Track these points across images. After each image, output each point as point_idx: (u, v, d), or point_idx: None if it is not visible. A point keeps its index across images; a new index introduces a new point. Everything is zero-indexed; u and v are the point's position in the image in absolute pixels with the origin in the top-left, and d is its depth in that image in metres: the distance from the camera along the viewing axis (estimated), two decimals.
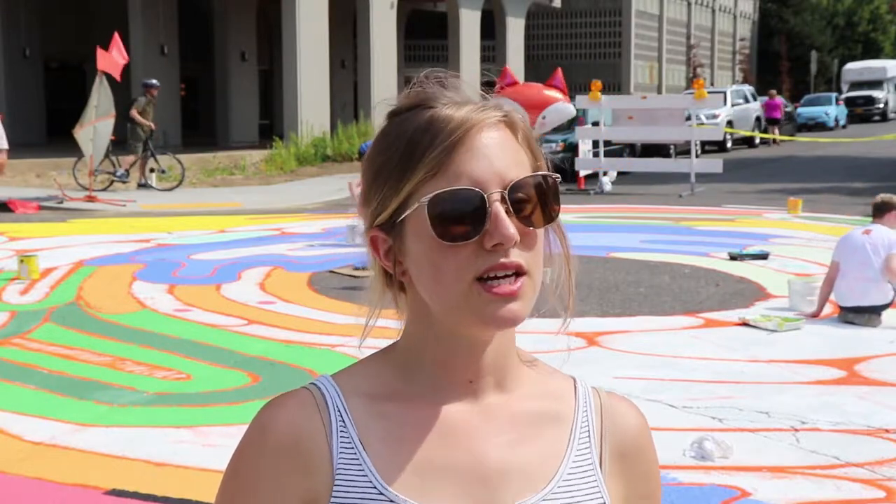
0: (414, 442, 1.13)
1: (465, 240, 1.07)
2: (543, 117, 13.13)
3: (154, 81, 19.18)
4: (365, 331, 1.22)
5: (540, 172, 1.12)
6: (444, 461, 1.12)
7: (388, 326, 1.24)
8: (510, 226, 1.07)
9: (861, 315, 7.97)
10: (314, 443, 1.12)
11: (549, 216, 1.12)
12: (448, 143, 1.09)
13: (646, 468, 1.23)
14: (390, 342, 1.21)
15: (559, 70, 11.33)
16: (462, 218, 1.07)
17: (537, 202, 1.10)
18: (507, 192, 1.08)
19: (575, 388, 1.23)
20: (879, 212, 8.29)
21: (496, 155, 1.10)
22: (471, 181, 1.08)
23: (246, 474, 1.14)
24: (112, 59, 16.22)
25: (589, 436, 1.19)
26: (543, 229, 1.12)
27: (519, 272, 1.09)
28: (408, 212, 1.10)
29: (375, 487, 1.10)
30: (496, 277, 1.08)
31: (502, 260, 1.08)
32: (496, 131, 1.11)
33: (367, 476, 1.10)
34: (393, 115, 1.16)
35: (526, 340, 1.38)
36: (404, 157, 1.10)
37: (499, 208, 1.07)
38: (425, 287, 1.11)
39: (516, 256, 1.08)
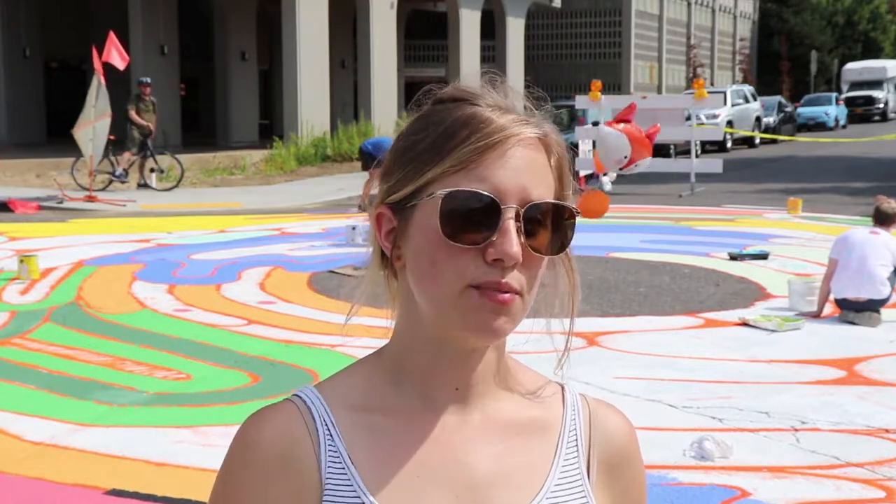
0: (402, 453, 1.11)
1: (470, 244, 1.06)
2: (637, 165, 12.51)
3: (144, 79, 19.03)
4: (353, 308, 1.20)
5: (561, 202, 1.10)
6: (433, 472, 1.11)
7: (385, 326, 1.22)
8: (516, 244, 1.05)
9: (862, 315, 7.96)
10: (303, 457, 1.10)
11: (559, 247, 1.10)
12: (482, 144, 1.07)
13: (633, 476, 1.22)
14: (383, 342, 1.19)
15: (634, 104, 10.76)
16: (472, 222, 1.05)
17: (550, 229, 1.08)
18: (523, 210, 1.07)
19: (563, 395, 1.22)
20: (889, 219, 8.22)
21: (524, 171, 1.08)
22: (492, 188, 1.06)
23: (235, 489, 1.12)
24: (107, 58, 16.21)
25: (577, 444, 1.18)
26: (549, 258, 1.11)
27: (511, 292, 1.07)
28: (421, 199, 1.09)
29: (364, 502, 1.09)
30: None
31: (499, 279, 1.06)
32: (531, 149, 1.10)
33: (355, 490, 1.09)
34: (436, 102, 1.15)
35: (523, 340, 1.38)
36: (436, 145, 1.09)
37: (510, 224, 1.05)
38: (417, 280, 1.10)
39: (513, 278, 1.06)
